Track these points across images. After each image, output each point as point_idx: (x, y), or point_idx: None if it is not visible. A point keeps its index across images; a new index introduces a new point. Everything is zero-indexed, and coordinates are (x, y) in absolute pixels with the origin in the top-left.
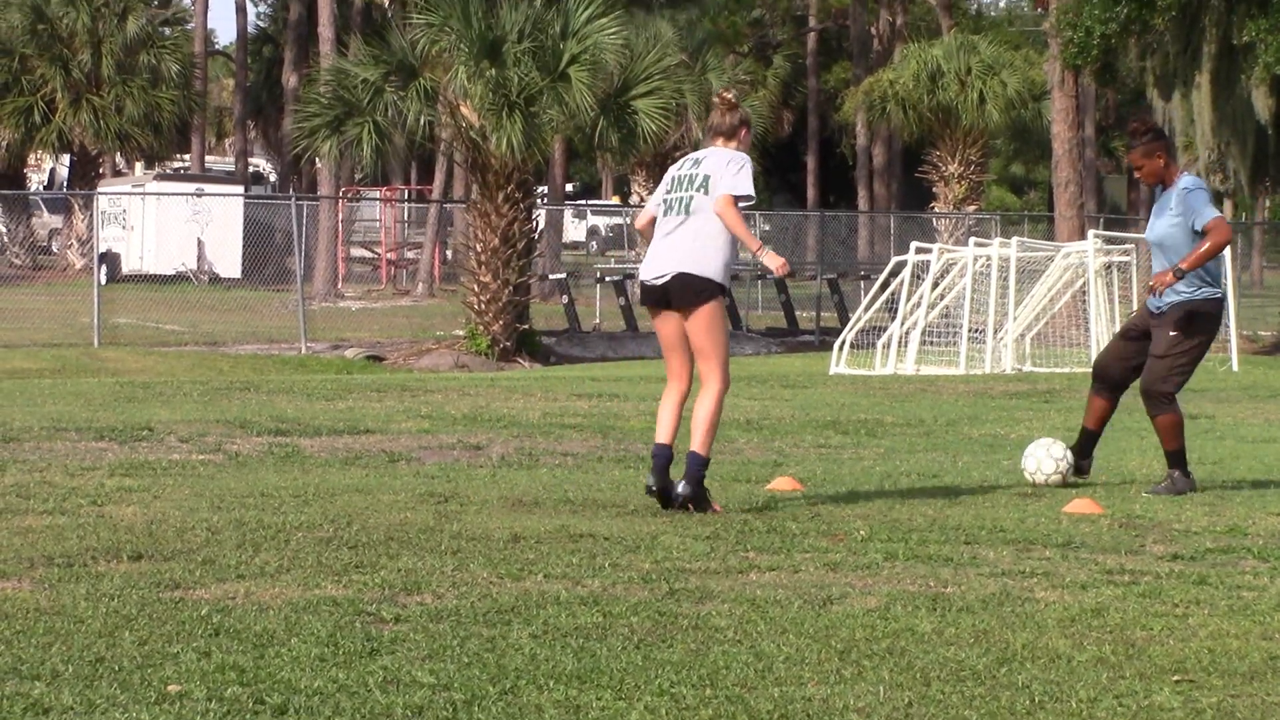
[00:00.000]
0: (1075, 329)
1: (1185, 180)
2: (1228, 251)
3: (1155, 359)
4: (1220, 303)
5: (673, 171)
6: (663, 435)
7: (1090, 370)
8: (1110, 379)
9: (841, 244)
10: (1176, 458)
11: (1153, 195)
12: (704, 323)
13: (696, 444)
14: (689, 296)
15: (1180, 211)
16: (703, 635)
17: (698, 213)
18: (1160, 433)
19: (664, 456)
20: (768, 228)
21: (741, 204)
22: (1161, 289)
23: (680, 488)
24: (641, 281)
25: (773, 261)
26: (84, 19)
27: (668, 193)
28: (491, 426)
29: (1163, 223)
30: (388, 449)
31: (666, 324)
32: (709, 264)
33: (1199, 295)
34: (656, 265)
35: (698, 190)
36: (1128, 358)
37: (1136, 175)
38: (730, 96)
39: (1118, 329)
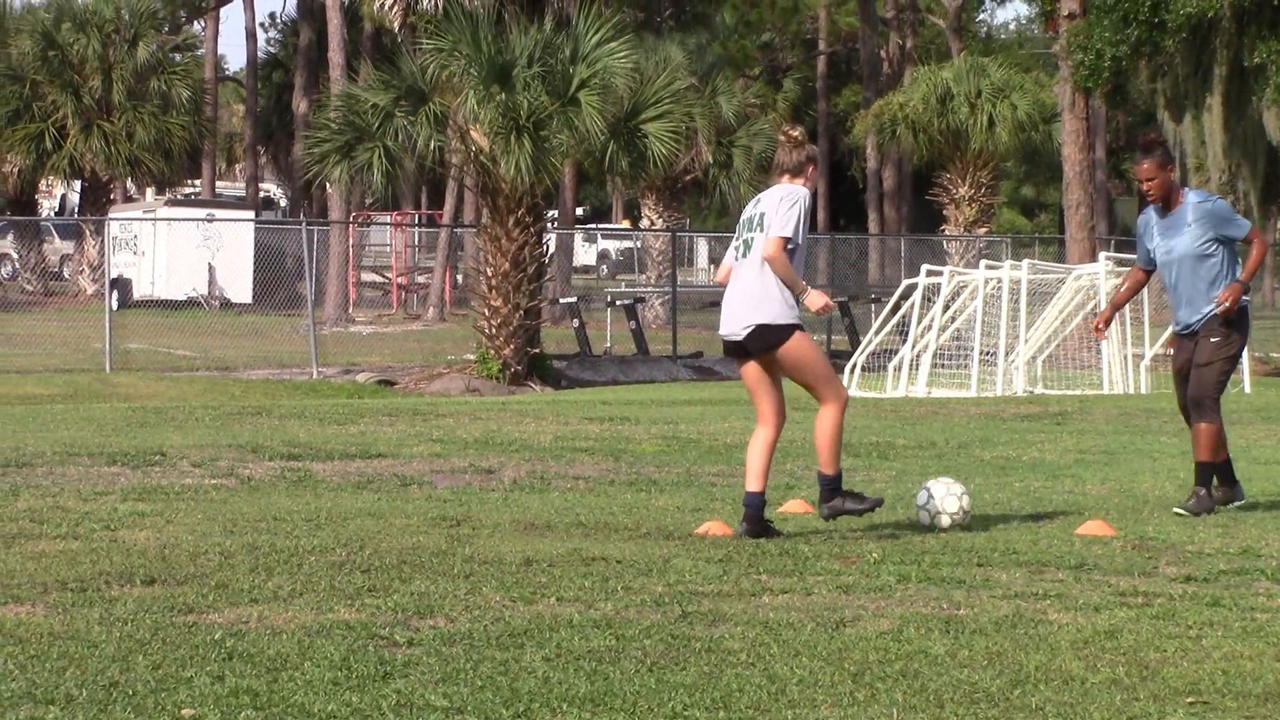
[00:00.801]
0: (1087, 351)
1: (1195, 195)
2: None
3: (1201, 367)
4: (1248, 304)
5: (744, 214)
6: (752, 483)
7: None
8: None
9: (852, 267)
10: (1207, 472)
11: (1138, 217)
12: (793, 360)
13: (823, 465)
14: (769, 345)
15: (1200, 222)
16: (716, 658)
17: (757, 252)
18: (1200, 441)
19: (755, 505)
20: None
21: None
22: (1234, 303)
23: (823, 512)
24: (722, 337)
25: (815, 302)
26: (95, 45)
27: (737, 237)
28: (503, 450)
29: (1184, 241)
30: (400, 473)
31: (748, 370)
32: (776, 305)
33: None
34: (731, 317)
35: (757, 230)
36: None
37: (1145, 188)
38: (796, 134)
39: (1130, 353)
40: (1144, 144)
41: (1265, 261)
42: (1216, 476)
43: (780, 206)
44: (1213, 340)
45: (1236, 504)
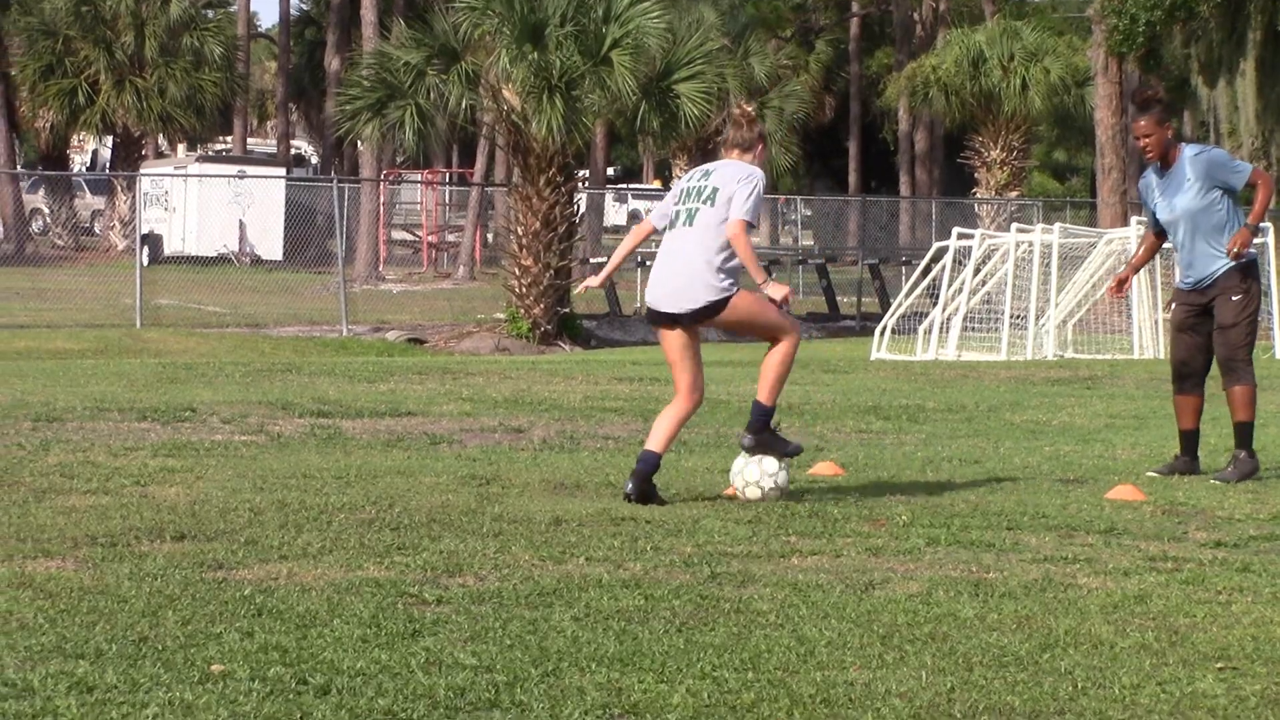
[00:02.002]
0: (1117, 316)
1: (1192, 148)
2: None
3: (1226, 329)
4: (1255, 255)
5: (683, 183)
6: (653, 443)
7: (1169, 369)
8: (1195, 373)
9: (883, 229)
10: (1246, 432)
11: (1139, 181)
12: (740, 315)
13: (762, 393)
14: (710, 316)
15: (1199, 175)
16: (744, 619)
17: (702, 228)
18: (1236, 404)
19: (649, 462)
20: (809, 212)
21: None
22: (1245, 248)
23: (745, 440)
24: (650, 306)
25: (776, 292)
26: (128, 1)
27: (675, 204)
28: (533, 409)
29: (1186, 197)
30: (429, 431)
31: (671, 341)
32: (717, 282)
33: (1245, 254)
34: (666, 289)
35: (704, 203)
36: (1202, 347)
37: (1142, 144)
38: (750, 109)
39: (1161, 318)
40: (1141, 100)
41: (1270, 204)
42: (1183, 444)
43: (740, 189)
44: (1234, 300)
45: (1192, 475)
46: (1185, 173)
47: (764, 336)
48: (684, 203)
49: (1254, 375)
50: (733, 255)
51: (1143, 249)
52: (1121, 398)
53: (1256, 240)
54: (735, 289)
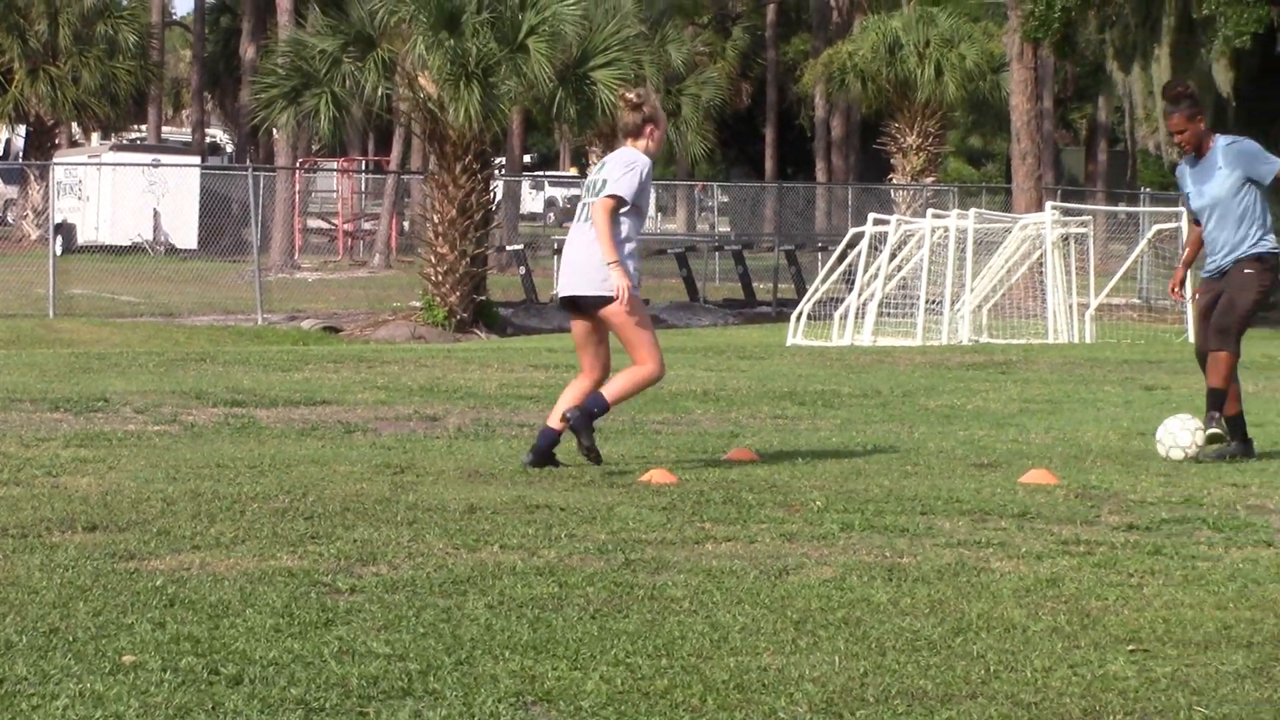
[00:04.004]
0: (1032, 300)
1: (1225, 139)
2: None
3: (1235, 295)
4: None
5: (588, 178)
6: (554, 419)
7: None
8: None
9: (799, 215)
10: (1219, 397)
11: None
12: (614, 320)
13: (606, 390)
14: (599, 305)
15: (1230, 164)
16: (659, 605)
17: (589, 219)
18: (1215, 367)
19: (549, 438)
20: (725, 199)
21: (622, 210)
22: None
23: (568, 411)
24: (559, 296)
25: (619, 281)
26: None
27: (581, 201)
28: (448, 397)
29: (1216, 184)
30: (344, 420)
31: (576, 325)
32: (600, 275)
33: (1266, 244)
34: (566, 276)
35: (595, 196)
36: None
37: (1176, 140)
38: (632, 96)
39: (1076, 303)
40: (1171, 96)
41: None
42: (1230, 428)
43: (616, 170)
44: (1247, 272)
45: (1249, 458)
46: (1217, 161)
47: (629, 354)
48: (585, 195)
49: (1238, 351)
50: (628, 246)
51: (1189, 243)
52: (1036, 382)
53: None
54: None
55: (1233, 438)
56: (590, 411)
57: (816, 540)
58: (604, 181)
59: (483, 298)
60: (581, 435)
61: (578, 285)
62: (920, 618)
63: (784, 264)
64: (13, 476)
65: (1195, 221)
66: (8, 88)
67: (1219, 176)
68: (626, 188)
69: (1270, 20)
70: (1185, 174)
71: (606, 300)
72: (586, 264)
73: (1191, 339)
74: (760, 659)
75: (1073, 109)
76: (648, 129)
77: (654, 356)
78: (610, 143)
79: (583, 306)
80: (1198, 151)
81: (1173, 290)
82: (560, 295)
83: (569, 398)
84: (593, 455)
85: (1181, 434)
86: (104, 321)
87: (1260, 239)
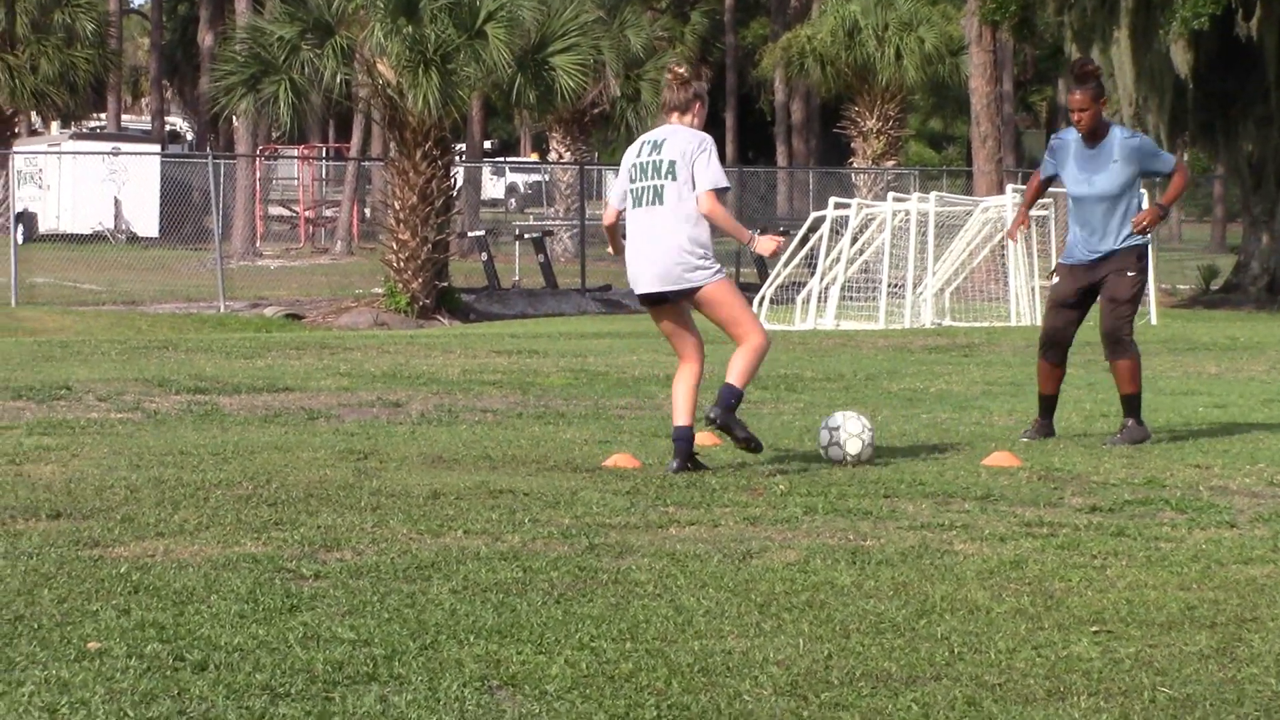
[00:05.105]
0: (994, 284)
1: (1123, 131)
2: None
3: (1119, 303)
4: (1150, 241)
5: (631, 159)
6: (680, 417)
7: (1038, 340)
8: (1063, 345)
9: (761, 200)
10: (1134, 403)
11: (1055, 133)
12: (717, 301)
13: (733, 377)
14: (691, 293)
15: (1127, 160)
16: (623, 589)
17: (674, 204)
18: (1122, 377)
19: (685, 439)
20: None
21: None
22: (1152, 226)
23: (710, 411)
24: (637, 290)
25: (765, 247)
26: None
27: (632, 182)
28: (411, 384)
29: (1106, 176)
30: (307, 406)
31: (662, 317)
32: (697, 255)
33: (1137, 236)
34: (648, 271)
35: (666, 178)
36: (1076, 321)
37: (1075, 118)
38: (683, 71)
39: (1038, 285)
40: (1079, 74)
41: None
42: (1042, 407)
43: (698, 157)
44: (1129, 275)
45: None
46: (1113, 153)
47: (729, 333)
48: (642, 179)
49: (1137, 349)
50: (705, 226)
51: (1030, 192)
52: (998, 365)
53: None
54: (719, 274)
55: (1043, 416)
56: (729, 404)
57: (780, 524)
58: (671, 163)
59: (445, 284)
60: (735, 429)
61: (665, 281)
62: (884, 600)
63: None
64: None
65: (1044, 182)
66: None
67: (1112, 170)
68: (719, 175)
69: (1228, 2)
70: (1069, 147)
71: (696, 289)
72: (668, 258)
73: (1060, 324)
74: (725, 642)
75: (1033, 91)
76: (696, 105)
77: (758, 324)
78: (569, 128)
79: (671, 298)
80: (1093, 135)
81: (1010, 234)
82: (643, 292)
83: (683, 392)
84: (752, 445)
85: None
86: (66, 310)
87: (1130, 234)
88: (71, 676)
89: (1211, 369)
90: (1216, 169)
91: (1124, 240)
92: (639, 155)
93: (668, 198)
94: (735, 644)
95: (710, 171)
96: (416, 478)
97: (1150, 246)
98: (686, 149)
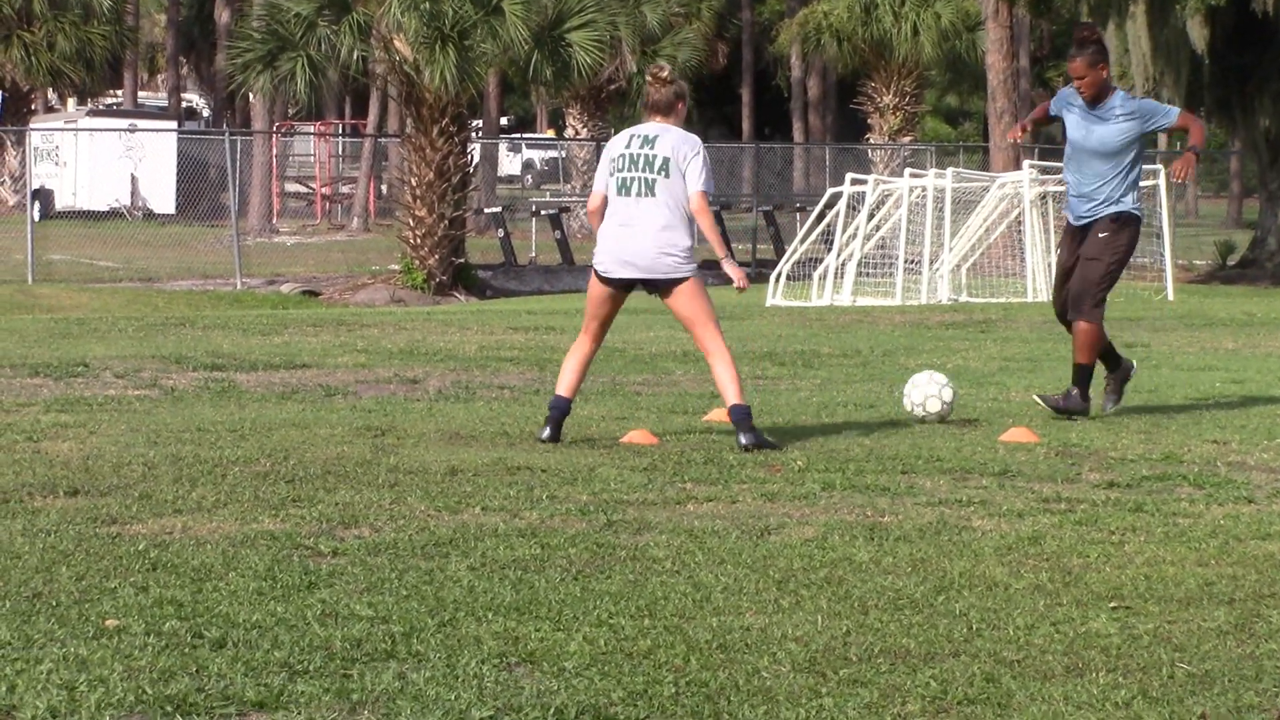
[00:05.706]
0: (1011, 259)
1: (1123, 94)
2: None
3: (1089, 260)
4: (1142, 214)
5: (618, 149)
6: (563, 388)
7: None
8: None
9: (777, 176)
10: (1083, 373)
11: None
12: (694, 295)
13: (731, 397)
14: (669, 285)
15: (1131, 116)
16: (641, 566)
17: (665, 197)
18: (1080, 341)
19: (560, 409)
20: None
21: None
22: (1192, 171)
23: (742, 439)
24: (604, 273)
25: (734, 273)
26: None
27: (619, 171)
28: (428, 360)
29: (1110, 130)
30: (324, 383)
31: (606, 298)
32: (683, 250)
33: (1127, 203)
34: (623, 257)
35: (659, 173)
36: None
37: (1076, 85)
38: (664, 73)
39: (1053, 260)
40: (1079, 39)
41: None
42: (1104, 362)
43: (691, 159)
44: (1101, 236)
45: (1133, 373)
46: (1116, 110)
47: (694, 331)
48: (631, 170)
49: (1101, 319)
50: (690, 224)
51: (1037, 111)
52: (1015, 340)
53: (1148, 182)
54: (695, 270)
55: (1074, 383)
56: (748, 420)
57: (798, 500)
58: (664, 160)
59: (461, 260)
60: (765, 443)
61: (649, 270)
62: (902, 576)
63: (762, 224)
64: None
65: (1052, 116)
66: None
67: (1115, 125)
68: (710, 179)
69: None
70: (1074, 102)
71: (679, 281)
72: (656, 249)
73: (1068, 298)
74: (743, 619)
75: (1049, 67)
76: (679, 105)
77: (719, 329)
78: (586, 104)
79: (645, 289)
80: (1095, 100)
81: (1011, 134)
82: (616, 277)
83: (574, 367)
84: (768, 444)
85: (929, 387)
86: (83, 287)
87: (1121, 197)
88: (90, 654)
89: (1228, 344)
90: (1233, 144)
91: (1112, 207)
92: (627, 146)
93: (659, 191)
94: (753, 620)
95: (702, 173)
96: (434, 454)
97: (1142, 219)
98: (681, 149)
